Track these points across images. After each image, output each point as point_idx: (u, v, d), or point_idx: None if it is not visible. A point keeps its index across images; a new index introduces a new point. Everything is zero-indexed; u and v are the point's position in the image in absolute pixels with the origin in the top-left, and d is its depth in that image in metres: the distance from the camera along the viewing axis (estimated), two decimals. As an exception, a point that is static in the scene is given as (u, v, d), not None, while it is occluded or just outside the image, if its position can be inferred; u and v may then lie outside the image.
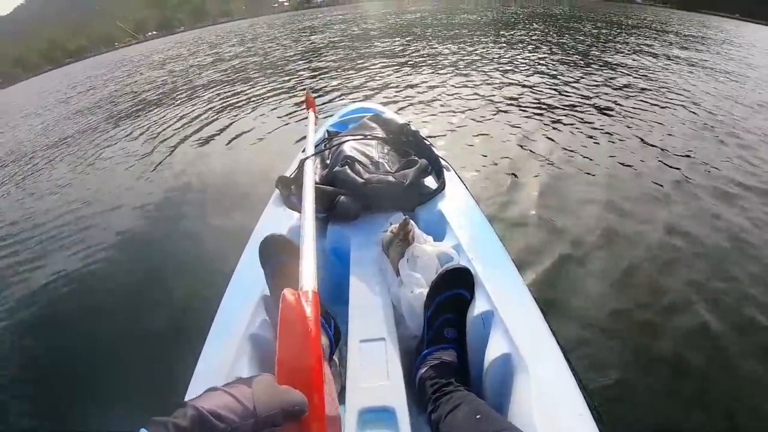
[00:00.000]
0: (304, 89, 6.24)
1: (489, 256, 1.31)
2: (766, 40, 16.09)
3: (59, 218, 3.63)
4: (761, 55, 10.88)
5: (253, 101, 6.77)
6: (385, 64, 8.32)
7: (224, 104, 6.92)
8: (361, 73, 7.60)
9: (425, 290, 1.22)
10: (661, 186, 3.18)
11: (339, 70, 8.07)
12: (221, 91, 8.15)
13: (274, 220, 1.61)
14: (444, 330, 1.17)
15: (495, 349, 1.05)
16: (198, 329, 1.17)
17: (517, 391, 0.96)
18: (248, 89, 7.90)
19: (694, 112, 5.00)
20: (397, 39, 12.91)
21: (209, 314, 1.20)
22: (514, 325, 1.06)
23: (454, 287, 1.19)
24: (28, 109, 13.78)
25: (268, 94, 7.12)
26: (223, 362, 1.03)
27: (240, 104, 6.71)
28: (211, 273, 2.11)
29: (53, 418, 1.79)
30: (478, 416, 0.91)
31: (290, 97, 6.52)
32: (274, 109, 6.04)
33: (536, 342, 1.04)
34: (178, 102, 7.65)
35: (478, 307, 1.15)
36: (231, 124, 5.58)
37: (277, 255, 1.20)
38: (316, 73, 8.40)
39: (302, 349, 0.61)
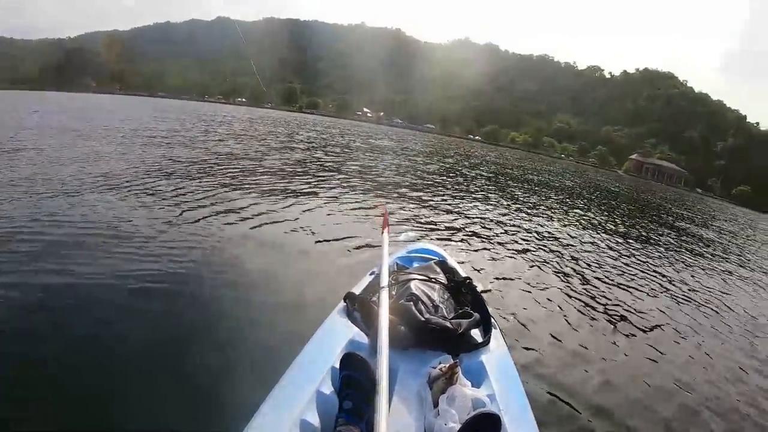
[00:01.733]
0: (381, 207, 6.67)
1: (516, 410, 1.51)
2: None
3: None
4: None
5: (328, 199, 7.32)
6: (460, 205, 8.92)
7: (296, 191, 7.57)
8: (436, 209, 8.11)
9: (457, 426, 1.40)
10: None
11: (415, 200, 8.62)
12: (294, 177, 8.93)
13: (337, 330, 1.82)
14: None
15: None
16: (243, 412, 1.33)
17: None
18: (325, 185, 8.66)
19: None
20: (479, 183, 13.82)
21: (258, 398, 1.38)
22: None
23: (483, 429, 1.37)
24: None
25: (343, 197, 7.73)
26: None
27: (315, 198, 7.25)
28: (268, 359, 2.23)
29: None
30: None
31: (365, 210, 6.95)
32: (347, 213, 6.52)
33: None
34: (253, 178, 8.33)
35: None
36: (297, 217, 5.89)
37: (351, 369, 1.51)
38: (389, 192, 9.11)
39: None
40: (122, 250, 3.83)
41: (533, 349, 3.28)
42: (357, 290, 2.14)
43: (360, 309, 1.96)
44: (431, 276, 2.22)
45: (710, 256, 9.51)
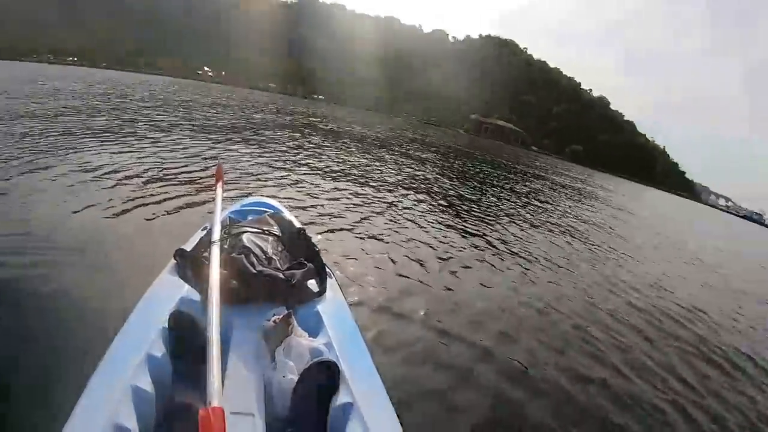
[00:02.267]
0: (215, 162, 6.32)
1: (354, 357, 1.54)
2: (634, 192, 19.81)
3: None
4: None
5: (162, 157, 6.66)
6: (302, 163, 8.72)
7: (126, 150, 6.73)
8: (274, 165, 7.86)
9: (296, 377, 1.40)
10: (515, 295, 3.79)
11: (255, 157, 8.26)
12: (128, 138, 7.88)
13: (167, 289, 1.70)
14: (308, 414, 1.35)
15: None
16: (76, 383, 1.20)
17: None
18: (157, 143, 7.79)
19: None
20: (329, 144, 13.68)
21: (89, 368, 1.25)
22: (370, 417, 1.26)
23: (321, 378, 1.39)
24: None
25: (178, 154, 7.10)
26: (102, 409, 1.09)
27: (147, 156, 6.56)
28: (96, 327, 2.03)
29: None
30: None
31: (200, 165, 6.51)
32: (181, 170, 6.01)
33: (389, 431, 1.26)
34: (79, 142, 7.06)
35: (341, 398, 1.34)
36: (133, 175, 5.34)
37: (180, 329, 1.43)
38: (229, 150, 8.56)
39: None
40: None
41: (370, 296, 3.45)
42: (188, 247, 1.99)
43: (191, 265, 1.85)
44: (264, 228, 2.14)
45: (537, 204, 11.10)
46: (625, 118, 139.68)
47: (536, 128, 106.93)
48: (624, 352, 3.71)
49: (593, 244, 8.00)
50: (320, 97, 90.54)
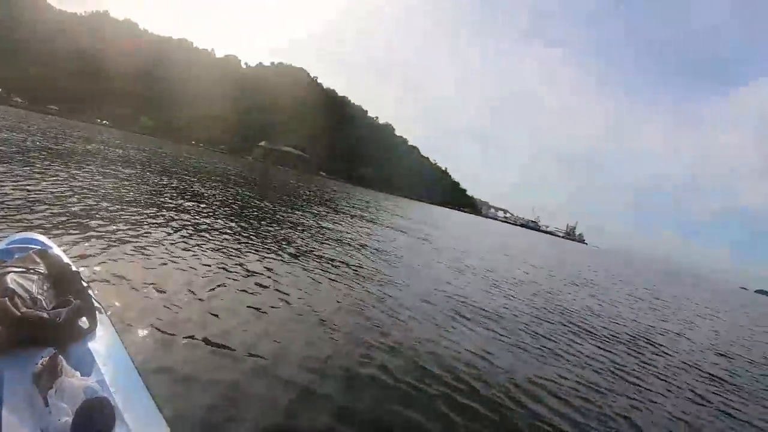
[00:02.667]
0: None
1: (129, 391, 1.67)
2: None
3: None
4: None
5: None
6: (73, 195, 7.63)
7: None
8: (44, 198, 6.78)
9: (71, 418, 1.48)
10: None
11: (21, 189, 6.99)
12: None
13: None
14: None
15: None
16: None
17: None
18: None
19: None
20: (105, 171, 11.93)
21: None
22: None
23: (95, 417, 1.49)
24: None
25: None
26: None
27: None
28: None
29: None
30: None
31: None
32: None
33: None
34: None
35: None
36: None
37: None
38: None
39: None
40: None
41: (144, 329, 3.45)
42: None
43: None
44: (30, 267, 2.09)
45: (315, 230, 11.65)
46: (410, 143, 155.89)
47: (325, 154, 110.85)
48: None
49: (360, 267, 9.08)
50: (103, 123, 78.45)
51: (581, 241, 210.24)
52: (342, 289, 6.25)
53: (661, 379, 6.46)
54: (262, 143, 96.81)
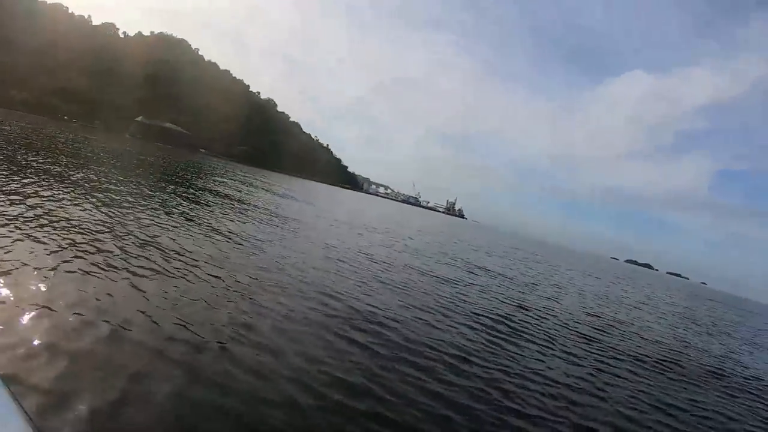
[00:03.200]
0: None
1: None
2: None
3: None
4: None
5: None
6: None
7: None
8: None
9: None
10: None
11: None
12: None
13: None
14: None
15: None
16: None
17: None
18: None
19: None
20: None
21: None
22: None
23: None
24: None
25: None
26: None
27: None
28: None
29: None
30: None
31: None
32: None
33: None
34: None
35: None
36: None
37: None
38: None
39: None
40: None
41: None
42: None
43: None
44: None
45: (196, 208, 11.66)
46: (291, 120, 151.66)
47: (206, 130, 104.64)
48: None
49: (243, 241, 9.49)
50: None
51: (461, 216, 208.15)
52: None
53: (531, 335, 7.65)
54: (139, 118, 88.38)
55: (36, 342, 3.65)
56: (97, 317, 4.40)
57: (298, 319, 5.94)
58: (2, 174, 10.44)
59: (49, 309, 4.27)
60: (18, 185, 9.73)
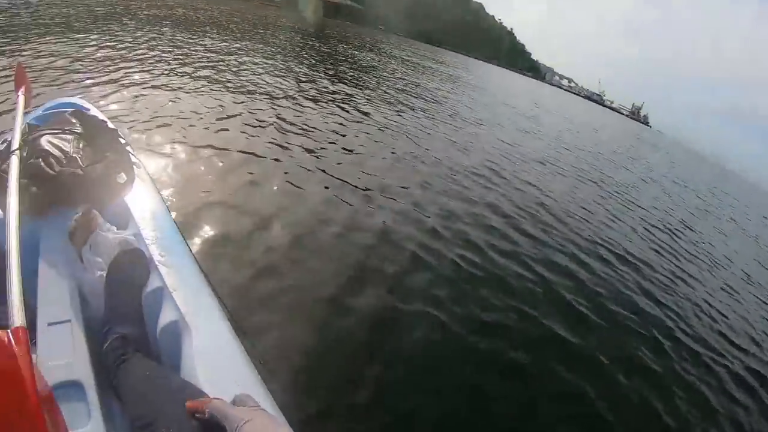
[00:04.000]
0: (14, 64, 5.23)
1: (166, 242, 1.61)
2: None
3: None
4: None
5: None
6: (110, 56, 7.40)
7: None
8: (81, 60, 6.62)
9: (105, 272, 1.46)
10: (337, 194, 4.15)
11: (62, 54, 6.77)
12: None
13: None
14: (122, 306, 1.37)
15: (167, 318, 1.30)
16: None
17: (185, 351, 1.19)
18: None
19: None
20: (145, 31, 11.55)
21: None
22: (184, 298, 1.32)
23: (129, 268, 1.47)
24: None
25: None
26: None
27: None
28: None
29: None
30: (147, 373, 1.11)
31: None
32: None
33: (203, 311, 1.31)
34: None
35: (152, 284, 1.40)
36: None
37: None
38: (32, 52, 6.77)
39: (20, 396, 0.68)
40: None
41: (184, 186, 3.49)
42: None
43: None
44: (65, 127, 2.01)
45: (393, 81, 10.97)
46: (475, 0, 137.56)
47: (385, 7, 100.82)
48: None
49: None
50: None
51: (645, 123, 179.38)
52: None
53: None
54: None
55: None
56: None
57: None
58: (185, 46, 10.29)
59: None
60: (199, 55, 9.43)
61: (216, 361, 1.15)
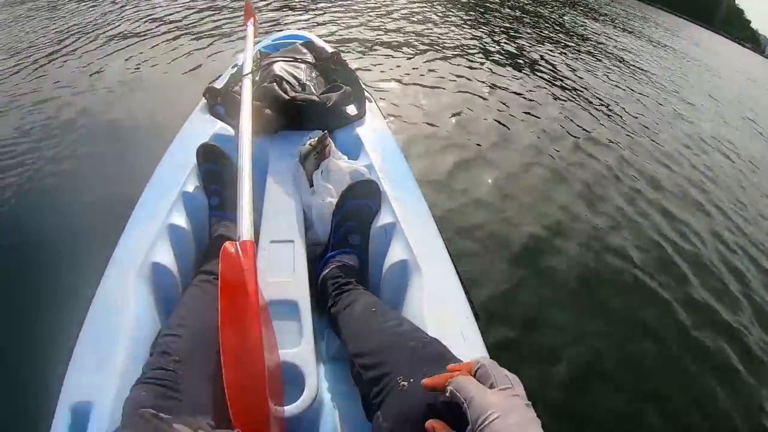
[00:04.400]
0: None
1: (396, 177, 1.46)
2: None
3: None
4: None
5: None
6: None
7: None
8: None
9: (335, 200, 1.33)
10: (559, 152, 3.61)
11: None
12: None
13: (199, 127, 1.63)
14: (348, 236, 1.29)
15: (394, 255, 1.20)
16: (115, 224, 1.22)
17: (410, 292, 1.11)
18: None
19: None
20: None
21: (127, 210, 1.25)
22: (413, 236, 1.20)
23: (362, 198, 1.32)
24: None
25: None
26: (140, 248, 1.09)
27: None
28: (133, 169, 2.02)
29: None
30: (373, 309, 1.02)
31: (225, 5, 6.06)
32: (205, 11, 5.64)
33: (431, 252, 1.20)
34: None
35: (383, 218, 1.29)
36: (156, 19, 5.16)
37: (210, 162, 1.38)
38: None
39: (243, 304, 0.73)
40: None
41: (413, 122, 3.43)
42: (218, 85, 1.88)
43: (222, 101, 1.75)
44: (297, 56, 1.97)
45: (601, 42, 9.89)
46: None
47: None
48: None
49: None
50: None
51: None
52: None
53: None
54: None
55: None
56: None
57: None
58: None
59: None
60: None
61: (442, 309, 1.03)
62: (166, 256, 1.11)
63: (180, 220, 1.22)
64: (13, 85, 3.43)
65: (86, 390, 0.79)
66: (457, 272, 1.19)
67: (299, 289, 1.08)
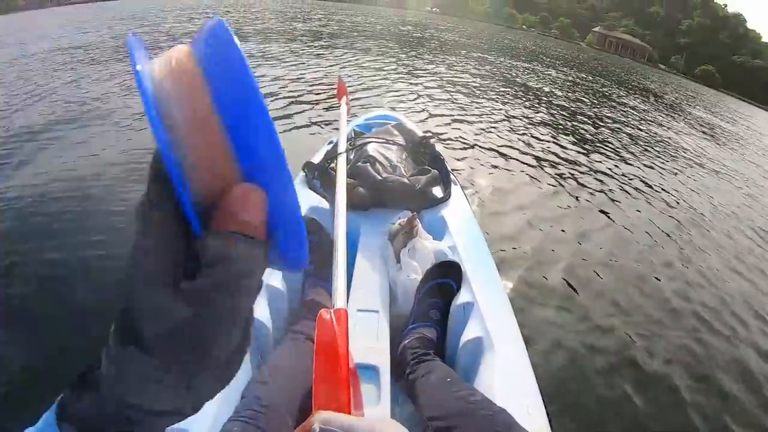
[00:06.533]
0: (335, 78, 6.05)
1: (477, 259, 1.54)
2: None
3: None
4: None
5: (283, 74, 6.84)
6: (416, 74, 8.51)
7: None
8: (394, 79, 7.70)
9: (419, 277, 1.42)
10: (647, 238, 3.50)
11: (373, 71, 8.09)
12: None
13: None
14: (430, 311, 1.37)
15: (471, 333, 1.26)
16: None
17: (483, 368, 1.17)
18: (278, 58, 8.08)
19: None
20: (436, 53, 13.00)
21: None
22: (489, 316, 1.27)
23: (444, 277, 1.41)
24: None
25: (295, 72, 7.12)
26: None
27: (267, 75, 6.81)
28: None
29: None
30: (448, 379, 1.10)
31: (319, 83, 6.52)
32: (300, 88, 6.08)
33: (505, 332, 1.25)
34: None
35: (462, 297, 1.37)
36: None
37: (310, 233, 1.47)
38: (348, 66, 8.32)
39: (334, 366, 0.78)
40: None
41: (496, 207, 3.48)
42: (316, 159, 2.06)
43: (319, 176, 1.91)
44: (388, 138, 2.14)
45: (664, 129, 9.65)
46: (764, 40, 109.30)
47: (663, 44, 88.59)
48: None
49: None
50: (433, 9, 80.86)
51: None
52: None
53: None
54: (597, 28, 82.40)
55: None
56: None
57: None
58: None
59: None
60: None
61: (512, 387, 1.09)
62: (262, 312, 1.24)
63: (276, 282, 1.35)
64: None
65: (184, 424, 0.89)
66: (529, 354, 1.23)
67: (381, 355, 1.16)
